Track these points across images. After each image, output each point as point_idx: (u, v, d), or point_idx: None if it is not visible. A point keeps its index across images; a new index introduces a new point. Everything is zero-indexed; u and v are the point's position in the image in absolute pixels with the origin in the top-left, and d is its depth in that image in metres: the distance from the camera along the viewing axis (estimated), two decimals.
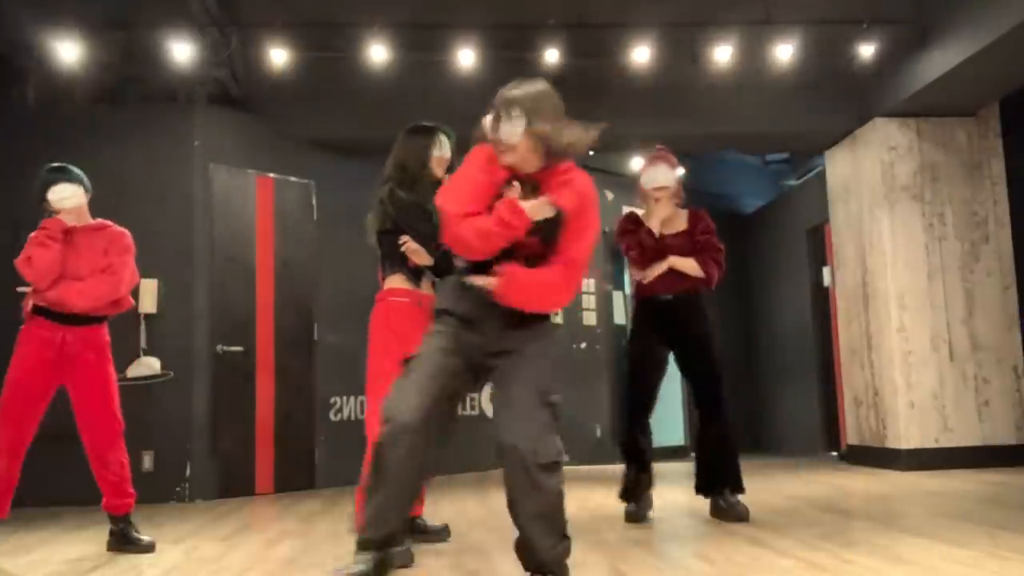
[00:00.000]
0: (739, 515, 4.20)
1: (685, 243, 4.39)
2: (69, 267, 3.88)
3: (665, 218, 4.40)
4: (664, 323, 4.41)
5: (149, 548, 3.84)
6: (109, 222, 4.07)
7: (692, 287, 4.41)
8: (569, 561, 2.67)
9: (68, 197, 3.94)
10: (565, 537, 2.70)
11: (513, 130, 2.64)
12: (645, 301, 4.48)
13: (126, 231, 4.07)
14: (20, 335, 3.88)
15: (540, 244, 2.66)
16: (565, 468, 2.67)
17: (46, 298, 3.84)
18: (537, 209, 2.61)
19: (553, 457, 2.62)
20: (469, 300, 2.70)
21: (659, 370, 4.46)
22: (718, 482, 4.31)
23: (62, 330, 3.85)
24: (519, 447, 2.58)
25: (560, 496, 2.66)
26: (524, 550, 2.69)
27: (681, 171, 4.50)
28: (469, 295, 2.69)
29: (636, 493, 4.40)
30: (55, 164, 4.05)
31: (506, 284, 2.62)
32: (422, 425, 2.58)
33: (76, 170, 4.05)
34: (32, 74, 5.99)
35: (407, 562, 3.30)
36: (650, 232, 4.38)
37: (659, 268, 4.34)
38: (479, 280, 2.66)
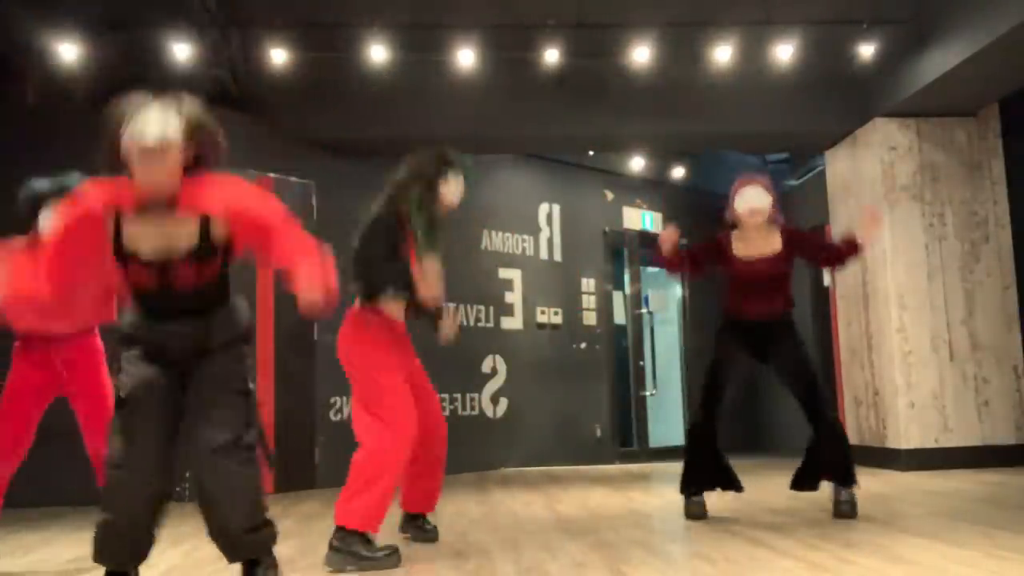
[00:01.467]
0: (849, 510, 4.17)
1: (777, 266, 4.32)
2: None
3: (756, 242, 4.33)
4: (753, 341, 4.35)
5: None
6: None
7: (779, 310, 4.36)
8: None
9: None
10: (268, 523, 2.73)
11: (169, 124, 2.59)
12: (732, 320, 4.41)
13: None
14: (14, 348, 3.82)
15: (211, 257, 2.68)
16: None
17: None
18: None
19: (242, 448, 2.66)
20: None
21: (738, 369, 4.41)
22: (833, 478, 4.26)
23: (53, 343, 3.81)
24: (210, 447, 2.62)
25: (252, 479, 2.69)
26: (224, 541, 2.70)
27: (769, 199, 4.30)
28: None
29: (699, 484, 4.38)
30: (56, 179, 3.88)
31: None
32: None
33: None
34: (32, 74, 5.98)
35: (397, 563, 3.30)
36: (737, 259, 4.32)
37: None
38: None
